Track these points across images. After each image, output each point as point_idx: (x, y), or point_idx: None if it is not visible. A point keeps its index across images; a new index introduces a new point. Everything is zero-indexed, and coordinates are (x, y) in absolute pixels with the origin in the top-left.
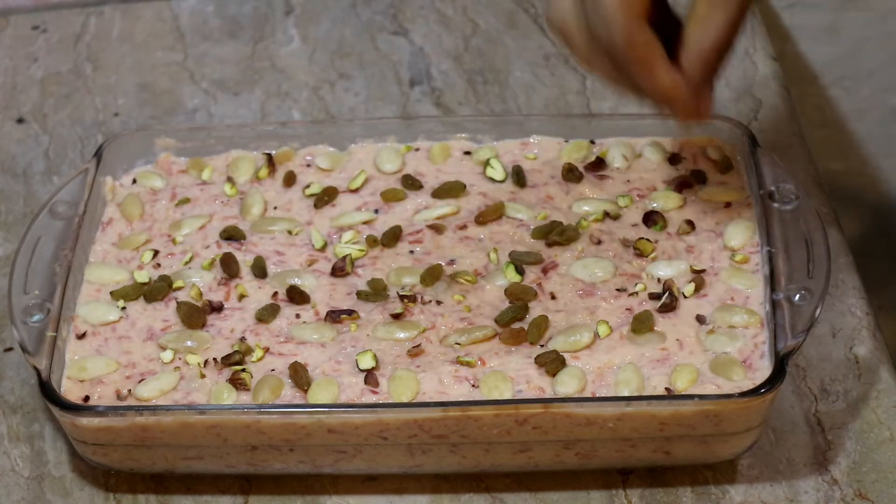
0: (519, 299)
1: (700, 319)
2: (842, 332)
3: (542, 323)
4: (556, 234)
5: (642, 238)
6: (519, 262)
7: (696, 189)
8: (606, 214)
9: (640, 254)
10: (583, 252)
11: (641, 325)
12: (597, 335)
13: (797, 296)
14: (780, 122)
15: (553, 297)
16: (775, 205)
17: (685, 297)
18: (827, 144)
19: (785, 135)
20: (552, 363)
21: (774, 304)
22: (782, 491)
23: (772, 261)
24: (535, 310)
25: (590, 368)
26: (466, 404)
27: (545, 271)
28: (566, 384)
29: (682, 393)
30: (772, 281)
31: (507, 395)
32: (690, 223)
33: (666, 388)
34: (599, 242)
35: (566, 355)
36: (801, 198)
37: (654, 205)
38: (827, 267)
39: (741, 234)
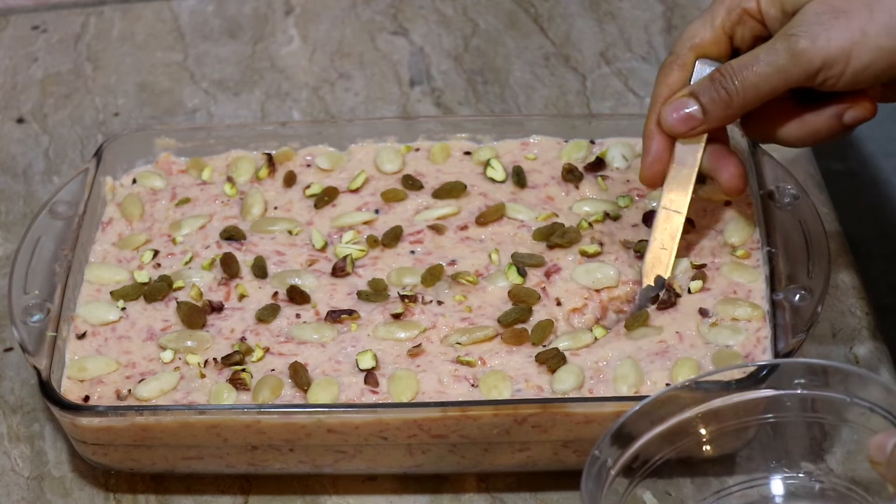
0: (522, 301)
1: (703, 312)
2: (842, 332)
3: (547, 326)
4: (558, 237)
5: (643, 240)
6: (521, 264)
7: (695, 188)
8: (607, 215)
9: (641, 256)
10: (583, 256)
11: (634, 321)
12: (595, 338)
13: (797, 296)
14: None
15: (559, 304)
16: (775, 205)
17: (690, 292)
18: (827, 144)
19: None
20: (552, 359)
21: (774, 304)
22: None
23: (772, 261)
24: (539, 313)
25: (588, 364)
26: (465, 404)
27: (548, 275)
28: (563, 381)
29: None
30: (772, 281)
31: (506, 394)
32: (690, 221)
33: (667, 384)
34: (601, 244)
35: (566, 353)
36: (801, 198)
37: (654, 204)
38: (827, 267)
39: (741, 231)
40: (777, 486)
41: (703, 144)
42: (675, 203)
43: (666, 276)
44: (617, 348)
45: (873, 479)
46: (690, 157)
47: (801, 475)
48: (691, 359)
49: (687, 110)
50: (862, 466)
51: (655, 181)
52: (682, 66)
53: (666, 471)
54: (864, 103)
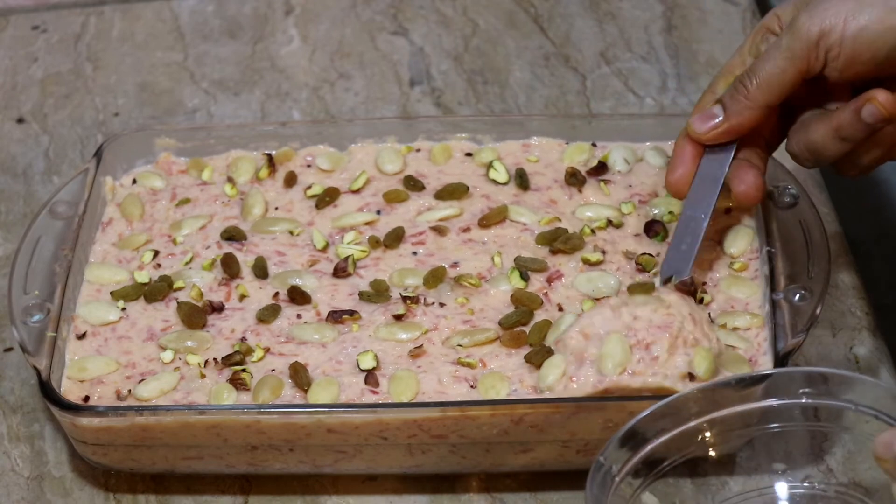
0: (525, 305)
1: (709, 318)
2: (842, 332)
3: (544, 327)
4: (561, 243)
5: (644, 254)
6: (524, 269)
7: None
8: (609, 222)
9: (643, 269)
10: (585, 264)
11: (639, 287)
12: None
13: (797, 296)
14: None
15: (560, 309)
16: (775, 205)
17: (702, 303)
18: None
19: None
20: (536, 356)
21: (774, 304)
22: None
23: (772, 261)
24: (541, 317)
25: (572, 344)
26: (462, 404)
27: (549, 281)
28: (545, 377)
29: (701, 381)
30: (771, 281)
31: (503, 395)
32: None
33: (689, 374)
34: (604, 253)
35: (557, 340)
36: (801, 198)
37: (655, 211)
38: (827, 267)
39: (740, 240)
40: (782, 492)
41: (730, 156)
42: (698, 208)
43: (686, 275)
44: (607, 320)
45: (877, 485)
46: (717, 167)
47: (805, 483)
48: (708, 349)
49: (713, 119)
50: (865, 472)
51: (680, 188)
52: (713, 93)
53: (671, 478)
54: (878, 97)
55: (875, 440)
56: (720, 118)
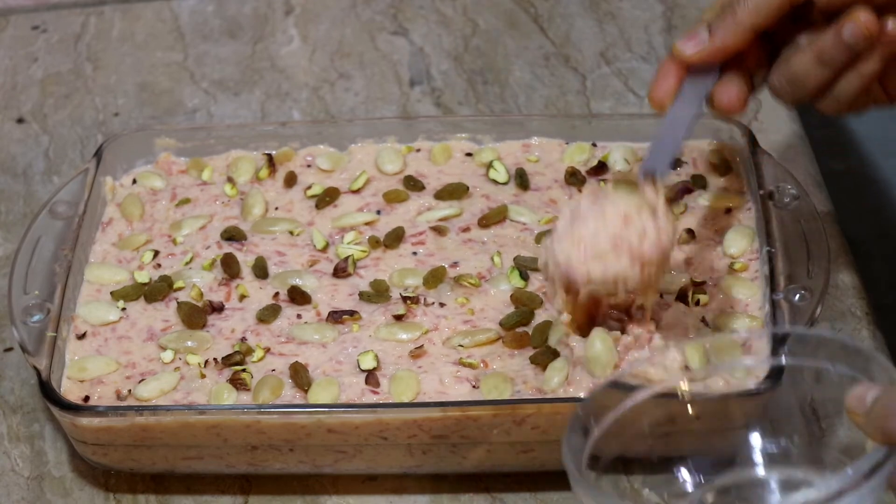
0: (525, 305)
1: (703, 321)
2: (842, 332)
3: (546, 327)
4: None
5: None
6: (523, 268)
7: (696, 195)
8: None
9: None
10: None
11: (625, 182)
12: None
13: (797, 295)
14: (780, 122)
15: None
16: (775, 205)
17: (699, 304)
18: (827, 144)
19: (785, 135)
20: (541, 356)
21: (774, 304)
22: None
23: (771, 261)
24: (541, 317)
25: (572, 354)
26: (463, 404)
27: None
28: (550, 380)
29: (696, 374)
30: (771, 281)
31: (507, 396)
32: (690, 232)
33: (685, 367)
34: None
35: (559, 345)
36: (801, 198)
37: None
38: (827, 267)
39: (740, 241)
40: (771, 475)
41: (714, 77)
42: (682, 111)
43: (665, 172)
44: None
45: (855, 444)
46: (700, 84)
47: (783, 441)
48: (699, 344)
49: (699, 39)
50: (844, 434)
51: (663, 100)
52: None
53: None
54: (860, 16)
55: (848, 394)
56: (706, 39)
